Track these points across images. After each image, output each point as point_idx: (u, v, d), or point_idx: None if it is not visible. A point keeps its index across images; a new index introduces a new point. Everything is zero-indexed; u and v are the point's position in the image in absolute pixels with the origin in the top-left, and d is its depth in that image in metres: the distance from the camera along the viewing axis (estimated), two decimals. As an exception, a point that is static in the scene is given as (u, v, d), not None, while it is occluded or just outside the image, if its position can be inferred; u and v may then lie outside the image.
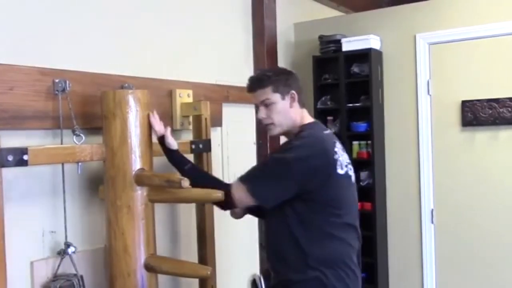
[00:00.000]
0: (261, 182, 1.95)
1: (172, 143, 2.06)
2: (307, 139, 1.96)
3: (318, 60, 3.87)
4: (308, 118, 2.11)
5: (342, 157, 1.99)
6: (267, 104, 2.03)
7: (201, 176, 2.08)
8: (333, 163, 1.94)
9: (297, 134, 2.02)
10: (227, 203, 1.99)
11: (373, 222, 3.67)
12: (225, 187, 1.97)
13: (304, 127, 2.04)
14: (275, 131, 2.06)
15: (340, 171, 1.95)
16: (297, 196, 1.91)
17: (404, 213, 3.76)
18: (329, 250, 1.95)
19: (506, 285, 3.43)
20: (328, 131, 2.11)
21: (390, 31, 3.77)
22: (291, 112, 2.03)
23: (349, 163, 2.03)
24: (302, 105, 2.08)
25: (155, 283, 2.07)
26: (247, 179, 1.96)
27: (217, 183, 2.04)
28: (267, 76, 2.05)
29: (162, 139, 2.07)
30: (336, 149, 1.98)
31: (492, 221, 3.46)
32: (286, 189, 1.90)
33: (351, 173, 2.05)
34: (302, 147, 1.92)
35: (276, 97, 2.01)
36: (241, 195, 1.94)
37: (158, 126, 2.06)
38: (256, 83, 2.06)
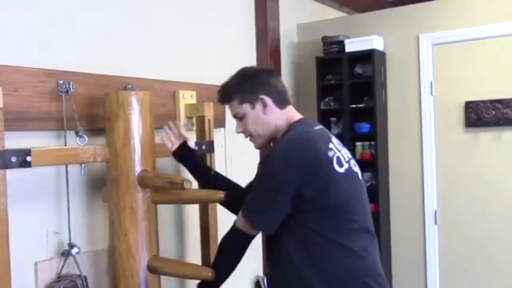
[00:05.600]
0: (256, 208, 1.73)
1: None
2: (290, 140, 1.72)
3: (321, 61, 3.87)
4: (297, 116, 1.87)
5: (340, 153, 1.72)
6: (239, 118, 1.87)
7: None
8: (327, 160, 1.66)
9: (282, 136, 1.81)
10: (238, 238, 1.80)
11: (376, 223, 3.64)
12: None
13: (290, 127, 1.81)
14: (258, 142, 1.90)
15: (339, 169, 1.68)
16: (299, 207, 1.66)
17: (407, 214, 3.75)
18: (344, 265, 1.68)
19: (510, 286, 3.42)
20: (319, 127, 1.83)
21: (393, 32, 3.77)
22: (266, 119, 1.82)
23: (351, 158, 1.78)
24: (284, 104, 1.85)
25: (158, 285, 2.07)
26: (245, 207, 1.75)
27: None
28: (230, 88, 1.87)
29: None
30: (331, 145, 1.72)
31: (496, 222, 3.45)
32: (283, 205, 1.67)
33: (356, 169, 1.79)
34: (285, 150, 1.68)
35: (244, 108, 1.83)
36: (244, 226, 1.75)
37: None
38: (222, 97, 1.91)
